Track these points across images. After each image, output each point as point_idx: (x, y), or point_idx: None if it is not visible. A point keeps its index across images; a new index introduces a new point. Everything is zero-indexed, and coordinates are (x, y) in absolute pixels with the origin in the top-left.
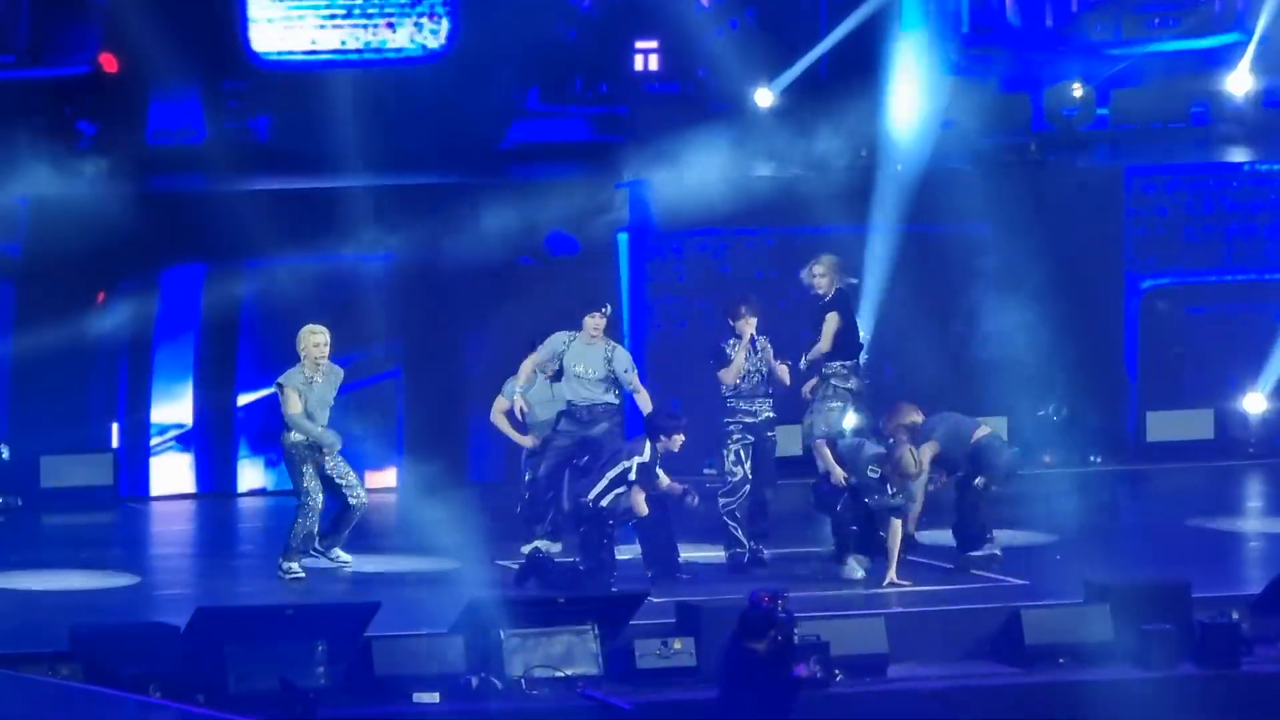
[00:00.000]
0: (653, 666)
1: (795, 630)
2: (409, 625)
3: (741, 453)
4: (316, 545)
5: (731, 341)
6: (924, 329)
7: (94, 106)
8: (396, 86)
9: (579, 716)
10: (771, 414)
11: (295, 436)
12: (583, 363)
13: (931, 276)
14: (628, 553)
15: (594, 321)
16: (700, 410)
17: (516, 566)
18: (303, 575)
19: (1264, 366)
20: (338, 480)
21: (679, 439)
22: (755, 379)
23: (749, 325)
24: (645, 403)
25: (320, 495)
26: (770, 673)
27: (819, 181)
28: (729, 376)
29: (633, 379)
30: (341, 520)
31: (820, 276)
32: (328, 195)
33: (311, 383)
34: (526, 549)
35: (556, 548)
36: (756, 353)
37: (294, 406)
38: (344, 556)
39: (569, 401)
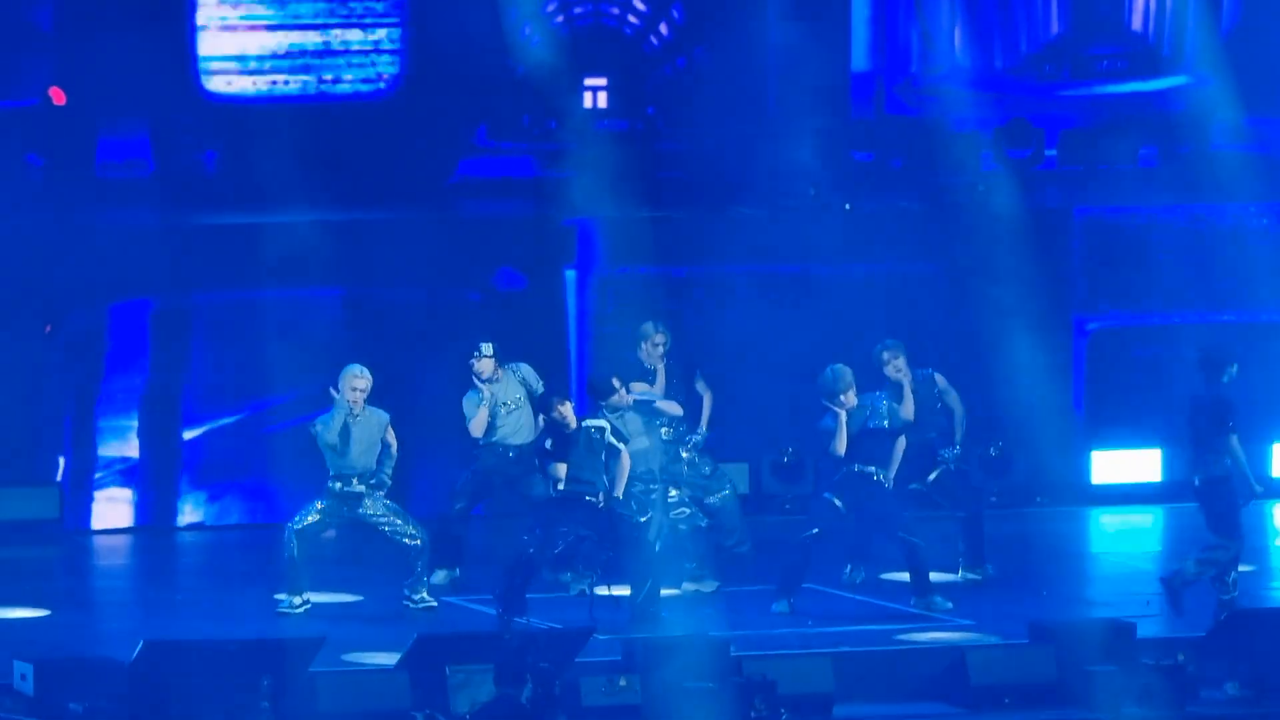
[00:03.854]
0: (599, 704)
1: (556, 682)
2: (355, 660)
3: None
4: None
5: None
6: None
7: (42, 139)
8: (345, 122)
9: None
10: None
11: (332, 484)
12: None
13: (876, 315)
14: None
15: (478, 365)
16: None
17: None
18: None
19: None
20: (380, 528)
21: (566, 407)
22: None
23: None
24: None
25: (296, 542)
26: None
27: (768, 219)
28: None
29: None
30: (406, 564)
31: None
32: (276, 230)
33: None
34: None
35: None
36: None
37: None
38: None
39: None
